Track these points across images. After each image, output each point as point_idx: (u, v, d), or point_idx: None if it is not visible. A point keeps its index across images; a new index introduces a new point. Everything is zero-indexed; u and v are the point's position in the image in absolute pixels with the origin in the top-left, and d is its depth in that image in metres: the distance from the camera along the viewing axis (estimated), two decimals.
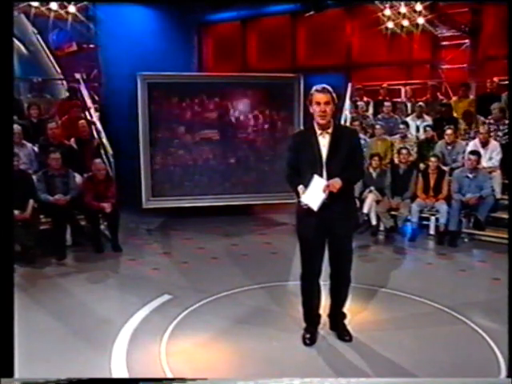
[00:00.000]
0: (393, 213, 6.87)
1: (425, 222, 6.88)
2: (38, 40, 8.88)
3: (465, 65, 10.84)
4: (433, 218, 6.79)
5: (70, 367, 3.40)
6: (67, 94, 8.50)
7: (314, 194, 3.38)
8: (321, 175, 3.42)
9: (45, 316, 4.23)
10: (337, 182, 3.37)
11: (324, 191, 3.35)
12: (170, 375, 3.31)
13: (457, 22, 10.61)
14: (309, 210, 3.41)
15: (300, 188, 3.44)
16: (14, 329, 2.38)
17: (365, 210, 6.87)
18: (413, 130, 8.37)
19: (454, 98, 9.07)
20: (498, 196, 6.64)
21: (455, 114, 8.42)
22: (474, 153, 6.66)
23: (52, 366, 3.42)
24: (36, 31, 8.78)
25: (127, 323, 4.08)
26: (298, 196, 3.47)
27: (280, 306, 4.42)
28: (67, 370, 3.28)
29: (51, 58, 9.07)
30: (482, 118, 7.80)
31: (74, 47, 10.08)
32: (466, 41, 10.81)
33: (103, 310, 4.38)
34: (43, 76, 8.48)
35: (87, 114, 8.01)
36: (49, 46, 9.15)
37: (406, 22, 10.20)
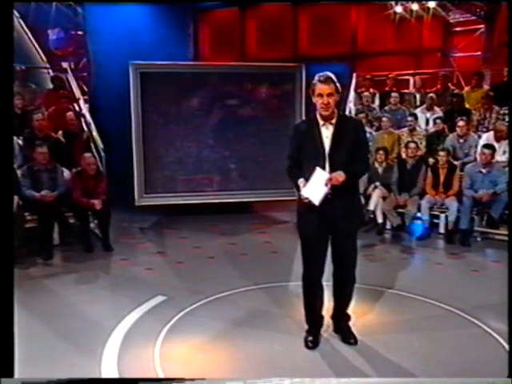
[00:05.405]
0: (400, 210, 6.89)
1: (434, 220, 6.89)
2: (20, 24, 8.73)
3: (479, 52, 10.80)
4: (443, 216, 6.81)
5: (57, 372, 3.40)
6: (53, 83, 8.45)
7: (315, 187, 3.37)
8: (323, 168, 3.43)
9: (30, 319, 4.23)
10: (340, 175, 3.37)
11: (326, 185, 3.35)
12: None
13: (471, 6, 10.52)
14: (310, 205, 3.41)
15: (300, 181, 3.45)
16: (14, 329, 2.40)
17: (371, 207, 6.89)
18: (422, 122, 8.39)
19: (467, 89, 9.08)
20: None
21: (467, 106, 8.44)
22: (488, 146, 6.65)
23: (39, 370, 3.43)
24: (18, 15, 8.61)
25: (119, 326, 4.09)
26: (299, 190, 3.48)
27: (281, 307, 4.44)
28: (54, 375, 3.29)
29: (35, 44, 8.96)
30: (496, 108, 7.81)
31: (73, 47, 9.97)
32: (481, 26, 10.74)
33: (93, 313, 4.39)
34: (27, 64, 8.40)
35: (76, 105, 8.01)
36: (33, 31, 9.02)
37: (415, 6, 10.16)
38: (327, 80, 3.42)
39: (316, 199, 3.38)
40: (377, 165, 7.19)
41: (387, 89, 9.60)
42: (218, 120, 7.82)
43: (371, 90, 9.59)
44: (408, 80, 10.32)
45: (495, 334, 3.94)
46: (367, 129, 7.94)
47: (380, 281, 5.03)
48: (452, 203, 6.60)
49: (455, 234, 6.54)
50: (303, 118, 7.64)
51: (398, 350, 3.72)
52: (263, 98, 7.91)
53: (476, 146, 7.19)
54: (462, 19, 11.02)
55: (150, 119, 7.58)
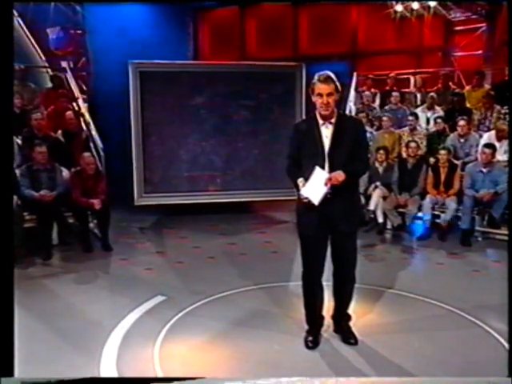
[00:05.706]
0: (400, 210, 6.90)
1: (436, 220, 6.89)
2: (18, 23, 8.73)
3: (480, 51, 10.80)
4: (443, 216, 6.81)
5: (57, 372, 3.41)
6: (52, 83, 8.44)
7: (314, 186, 3.38)
8: (323, 168, 3.43)
9: (30, 319, 4.24)
10: (339, 175, 3.38)
11: (325, 184, 3.36)
12: None
13: (472, 5, 10.49)
14: (310, 205, 3.42)
15: (300, 181, 3.46)
16: (14, 329, 2.42)
17: (371, 207, 6.90)
18: (422, 121, 8.40)
19: (468, 88, 9.08)
20: None
21: (468, 105, 8.45)
22: (489, 146, 6.65)
23: (39, 370, 3.44)
24: (16, 13, 8.61)
25: (118, 326, 4.10)
26: (298, 189, 3.49)
27: (281, 307, 4.45)
28: (54, 375, 3.30)
29: (34, 43, 8.97)
30: (498, 107, 7.83)
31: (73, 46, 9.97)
32: (483, 25, 10.73)
33: (93, 313, 4.40)
34: (26, 63, 8.40)
35: (75, 104, 8.02)
36: (31, 30, 9.01)
37: (416, 5, 10.16)
38: (327, 79, 3.43)
39: (315, 199, 3.39)
40: (377, 164, 7.20)
41: (388, 88, 9.62)
42: (218, 119, 7.81)
43: (372, 90, 9.60)
44: (409, 79, 10.30)
45: (496, 334, 3.96)
46: (368, 128, 7.96)
47: (380, 281, 5.04)
48: (451, 203, 6.62)
49: (446, 233, 6.58)
50: (303, 117, 7.64)
51: (398, 349, 3.74)
52: (263, 97, 7.90)
53: (477, 146, 7.19)
54: (462, 18, 11.01)
55: (149, 118, 7.58)
